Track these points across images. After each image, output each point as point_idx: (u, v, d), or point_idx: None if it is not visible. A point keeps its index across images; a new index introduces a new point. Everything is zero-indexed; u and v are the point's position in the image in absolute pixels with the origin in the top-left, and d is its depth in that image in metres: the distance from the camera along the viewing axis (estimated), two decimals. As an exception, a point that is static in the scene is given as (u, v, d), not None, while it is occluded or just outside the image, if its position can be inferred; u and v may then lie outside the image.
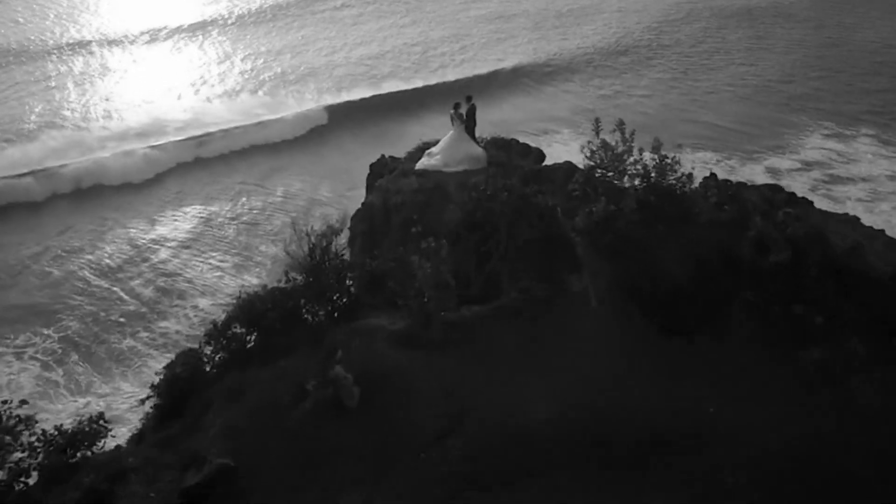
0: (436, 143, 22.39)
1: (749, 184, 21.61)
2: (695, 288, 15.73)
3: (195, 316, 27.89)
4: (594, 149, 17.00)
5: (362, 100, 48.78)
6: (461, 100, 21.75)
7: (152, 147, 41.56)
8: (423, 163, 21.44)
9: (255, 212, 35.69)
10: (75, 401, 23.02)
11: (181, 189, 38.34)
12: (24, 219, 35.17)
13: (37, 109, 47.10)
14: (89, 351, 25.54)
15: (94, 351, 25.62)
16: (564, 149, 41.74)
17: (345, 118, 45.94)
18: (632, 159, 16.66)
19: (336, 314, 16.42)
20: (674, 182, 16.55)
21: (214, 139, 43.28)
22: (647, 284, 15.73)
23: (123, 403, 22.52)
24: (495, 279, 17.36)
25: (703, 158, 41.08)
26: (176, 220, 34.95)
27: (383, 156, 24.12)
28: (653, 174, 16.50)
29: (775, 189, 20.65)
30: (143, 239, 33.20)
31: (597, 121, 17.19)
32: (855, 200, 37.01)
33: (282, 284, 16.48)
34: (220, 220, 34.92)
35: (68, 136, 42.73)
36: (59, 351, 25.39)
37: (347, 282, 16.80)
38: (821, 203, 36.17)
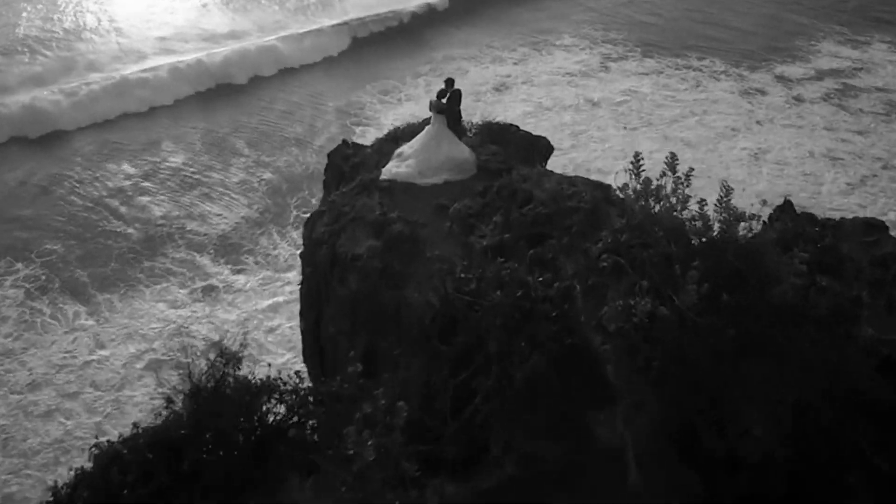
0: (411, 132, 17.45)
1: (839, 220, 15.74)
2: (790, 450, 10.37)
3: (181, 240, 27.53)
4: (632, 192, 11.82)
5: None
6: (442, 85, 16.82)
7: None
8: (392, 169, 16.13)
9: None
10: (66, 332, 22.78)
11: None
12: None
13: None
14: (73, 277, 25.17)
15: (78, 277, 25.24)
16: (565, 58, 40.34)
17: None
18: (689, 214, 11.43)
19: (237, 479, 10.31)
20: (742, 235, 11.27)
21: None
22: (713, 439, 10.59)
23: (112, 340, 22.36)
24: (481, 427, 11.48)
25: (711, 68, 39.78)
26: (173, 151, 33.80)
27: (345, 142, 19.36)
28: (714, 229, 11.27)
29: (875, 227, 15.18)
30: (137, 165, 32.26)
31: (636, 157, 11.90)
32: (870, 113, 36.05)
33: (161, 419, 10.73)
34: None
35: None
36: (43, 278, 24.98)
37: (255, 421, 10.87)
38: (835, 116, 35.57)
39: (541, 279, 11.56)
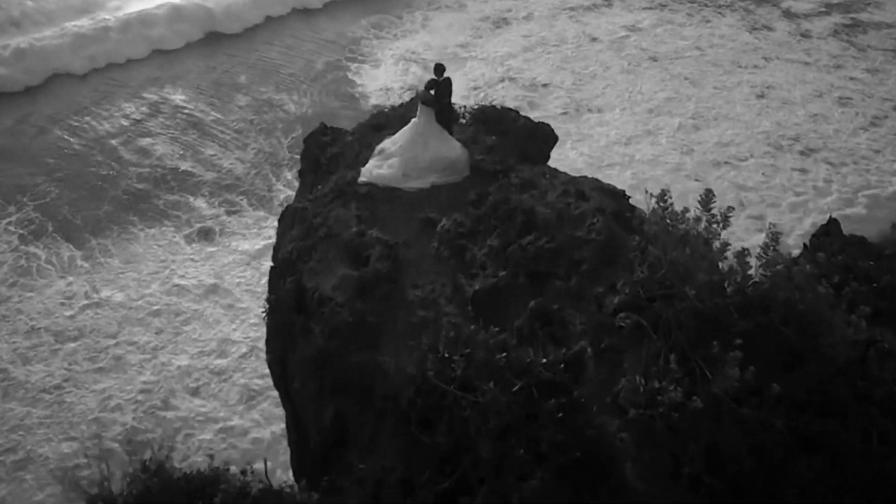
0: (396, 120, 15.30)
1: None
2: None
3: (175, 182, 27.22)
4: (655, 228, 9.66)
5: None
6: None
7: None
8: (373, 171, 14.07)
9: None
10: (61, 277, 22.59)
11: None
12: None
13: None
14: (67, 221, 24.90)
15: (72, 220, 24.94)
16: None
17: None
18: (725, 265, 9.41)
19: None
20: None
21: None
22: None
23: (108, 285, 22.33)
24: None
25: (716, 2, 38.78)
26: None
27: (323, 126, 16.94)
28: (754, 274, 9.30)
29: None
30: (132, 108, 31.50)
31: (662, 196, 9.98)
32: (879, 50, 35.33)
33: None
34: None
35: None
36: (37, 221, 24.69)
37: None
38: (844, 53, 34.85)
39: (545, 361, 8.81)
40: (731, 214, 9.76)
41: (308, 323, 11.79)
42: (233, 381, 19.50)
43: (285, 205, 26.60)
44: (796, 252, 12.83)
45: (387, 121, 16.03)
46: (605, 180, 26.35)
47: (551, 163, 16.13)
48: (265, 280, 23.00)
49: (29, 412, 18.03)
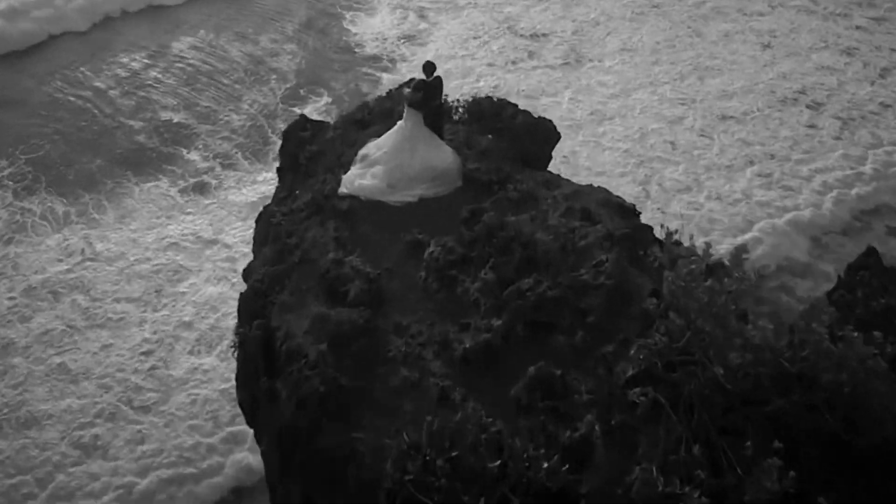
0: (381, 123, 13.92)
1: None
2: None
3: (168, 134, 26.91)
4: (675, 287, 8.31)
5: None
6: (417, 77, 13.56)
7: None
8: (355, 181, 12.81)
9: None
10: (57, 234, 22.39)
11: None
12: None
13: None
14: (59, 175, 24.61)
15: (64, 175, 24.64)
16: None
17: None
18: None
19: None
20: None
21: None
22: None
23: (103, 242, 22.25)
24: None
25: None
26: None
27: (302, 118, 15.88)
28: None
29: None
30: (125, 60, 30.80)
31: (668, 234, 9.14)
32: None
33: None
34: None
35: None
36: (30, 176, 24.42)
37: None
38: (850, 1, 34.12)
39: (546, 466, 7.53)
40: (765, 273, 8.61)
41: (274, 384, 10.40)
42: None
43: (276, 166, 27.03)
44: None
45: (371, 115, 14.79)
46: (607, 135, 26.77)
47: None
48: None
49: (30, 370, 18.11)
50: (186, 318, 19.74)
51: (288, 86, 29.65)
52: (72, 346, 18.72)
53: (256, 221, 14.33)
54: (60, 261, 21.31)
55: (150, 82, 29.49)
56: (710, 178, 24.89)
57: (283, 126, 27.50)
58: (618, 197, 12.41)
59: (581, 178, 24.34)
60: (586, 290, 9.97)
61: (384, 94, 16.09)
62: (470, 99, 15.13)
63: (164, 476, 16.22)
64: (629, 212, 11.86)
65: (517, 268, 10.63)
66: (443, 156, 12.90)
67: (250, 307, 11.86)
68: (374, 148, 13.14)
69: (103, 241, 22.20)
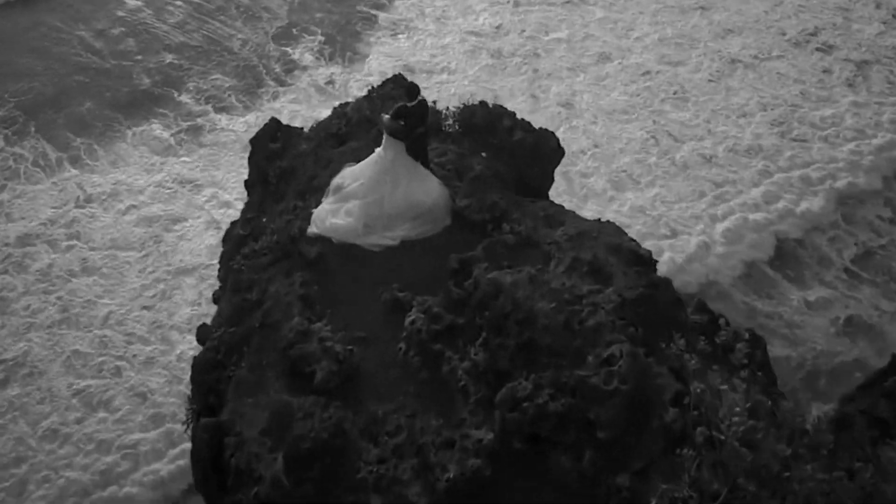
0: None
1: None
2: None
3: (159, 76, 26.37)
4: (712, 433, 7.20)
5: None
6: (397, 98, 12.13)
7: None
8: (328, 219, 11.20)
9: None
10: (52, 182, 22.17)
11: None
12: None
13: None
14: (49, 120, 24.21)
15: (54, 119, 24.25)
16: None
17: None
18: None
19: None
20: None
21: None
22: None
23: (97, 189, 21.99)
24: None
25: None
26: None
27: (274, 123, 14.36)
28: None
29: None
30: None
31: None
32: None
33: None
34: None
35: None
36: (21, 121, 23.98)
37: None
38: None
39: None
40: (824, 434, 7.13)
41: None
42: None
43: (273, 101, 26.52)
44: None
45: (348, 126, 13.25)
46: (611, 77, 26.31)
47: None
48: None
49: (31, 323, 18.12)
50: (186, 266, 19.77)
51: (280, 24, 29.04)
52: (71, 296, 18.74)
53: (223, 241, 12.99)
54: (55, 208, 21.20)
55: (139, 23, 28.79)
56: (720, 125, 24.65)
57: (277, 67, 27.30)
58: (631, 240, 10.62)
59: (585, 125, 24.36)
60: (596, 396, 8.11)
61: (364, 96, 14.32)
62: (461, 106, 13.49)
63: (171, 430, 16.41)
64: (644, 261, 10.06)
65: (512, 356, 8.90)
66: (428, 190, 11.16)
67: (205, 378, 10.44)
68: (350, 178, 11.39)
69: (97, 187, 22.03)
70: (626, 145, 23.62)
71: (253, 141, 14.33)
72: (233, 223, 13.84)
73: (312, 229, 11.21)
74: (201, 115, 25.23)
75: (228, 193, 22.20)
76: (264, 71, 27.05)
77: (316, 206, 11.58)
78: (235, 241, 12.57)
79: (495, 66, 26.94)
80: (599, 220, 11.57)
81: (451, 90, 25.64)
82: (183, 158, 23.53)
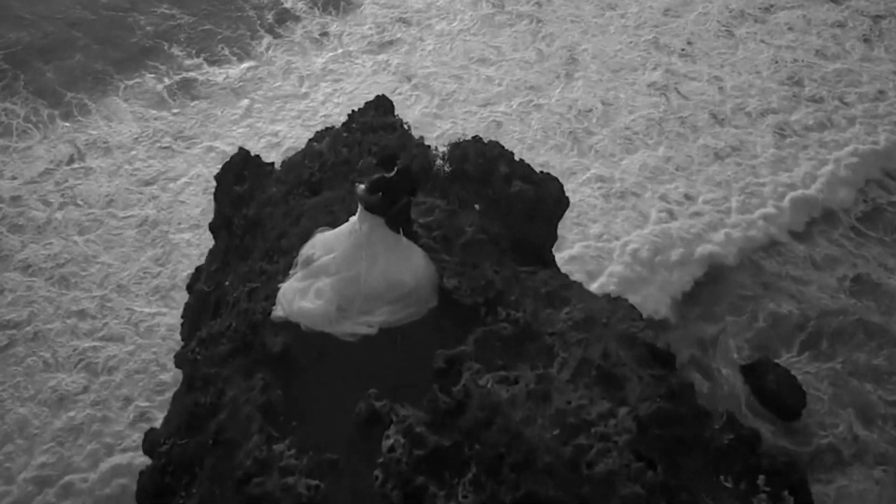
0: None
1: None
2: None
3: (150, 27, 25.84)
4: None
5: None
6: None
7: None
8: (294, 300, 9.73)
9: None
10: (43, 138, 21.84)
11: None
12: None
13: None
14: (39, 73, 23.68)
15: (44, 72, 23.72)
16: None
17: None
18: None
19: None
20: None
21: None
22: None
23: (90, 145, 21.68)
24: None
25: None
26: None
27: (241, 157, 13.11)
28: None
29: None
30: None
31: None
32: None
33: None
34: None
35: None
36: (9, 74, 23.47)
37: None
38: None
39: None
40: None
41: None
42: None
43: (270, 53, 25.96)
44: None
45: (322, 171, 11.69)
46: (613, 23, 25.79)
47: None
48: (258, 141, 22.55)
49: (31, 284, 17.98)
50: (185, 236, 19.54)
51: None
52: (69, 259, 18.59)
53: (184, 313, 11.79)
54: (49, 166, 20.95)
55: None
56: (729, 82, 24.32)
57: (270, 17, 26.71)
58: (646, 326, 9.39)
59: (590, 78, 23.98)
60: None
61: (342, 126, 12.79)
62: (448, 145, 12.07)
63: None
64: (661, 359, 8.86)
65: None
66: (411, 267, 9.69)
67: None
68: (322, 248, 9.87)
69: (91, 143, 21.72)
70: (634, 102, 23.37)
71: (218, 177, 12.97)
72: (197, 269, 12.71)
73: (278, 313, 9.70)
74: (194, 67, 24.81)
75: (225, 147, 21.93)
76: (258, 21, 26.54)
77: (284, 273, 10.13)
78: (198, 299, 11.35)
79: (497, 18, 26.48)
80: (609, 295, 10.45)
81: (450, 47, 25.26)
82: (176, 112, 23.20)
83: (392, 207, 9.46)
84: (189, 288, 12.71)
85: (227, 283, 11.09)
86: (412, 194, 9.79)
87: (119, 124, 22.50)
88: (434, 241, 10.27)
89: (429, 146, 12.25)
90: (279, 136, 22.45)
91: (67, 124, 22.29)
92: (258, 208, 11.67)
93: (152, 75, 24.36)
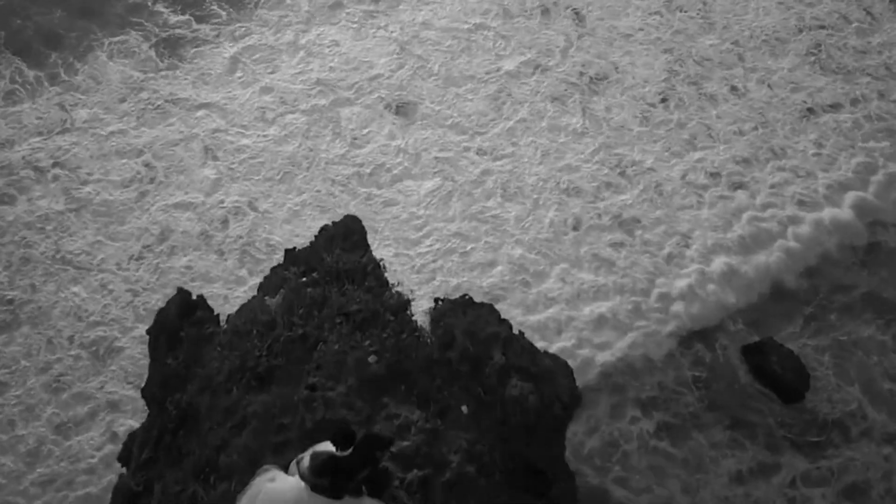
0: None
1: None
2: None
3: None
4: None
5: None
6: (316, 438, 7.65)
7: None
8: None
9: None
10: (32, 104, 21.35)
11: None
12: None
13: None
14: (19, 31, 22.94)
15: (23, 29, 23.01)
16: None
17: None
18: None
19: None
20: None
21: None
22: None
23: (79, 112, 21.18)
24: None
25: None
26: None
27: (183, 295, 11.40)
28: None
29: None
30: None
31: None
32: None
33: None
34: None
35: None
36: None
37: None
38: None
39: None
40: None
41: None
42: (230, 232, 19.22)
43: (259, 11, 25.15)
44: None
45: (270, 353, 9.69)
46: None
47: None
48: (252, 101, 21.91)
49: (24, 254, 17.91)
50: (179, 200, 19.36)
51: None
52: (66, 234, 18.39)
53: (116, 490, 10.09)
54: (40, 134, 20.56)
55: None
56: (749, 50, 24.01)
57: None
58: None
59: (598, 44, 23.46)
60: None
61: (298, 277, 10.72)
62: (431, 313, 10.35)
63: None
64: None
65: None
66: None
67: None
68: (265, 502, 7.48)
69: (81, 107, 21.33)
70: (649, 71, 23.12)
71: (151, 334, 11.20)
72: (130, 436, 10.99)
73: None
74: (182, 25, 24.08)
75: (220, 118, 21.47)
76: (249, -21, 25.69)
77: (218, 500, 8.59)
78: (125, 495, 9.82)
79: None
80: None
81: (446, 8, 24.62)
82: (166, 74, 22.60)
83: (347, 486, 7.35)
84: (120, 459, 11.17)
85: (156, 487, 9.52)
86: (375, 464, 7.54)
87: (107, 86, 21.98)
88: (410, 490, 8.35)
89: (413, 319, 10.07)
90: (273, 96, 21.95)
91: (56, 87, 21.80)
92: (195, 395, 9.85)
93: (138, 33, 23.64)
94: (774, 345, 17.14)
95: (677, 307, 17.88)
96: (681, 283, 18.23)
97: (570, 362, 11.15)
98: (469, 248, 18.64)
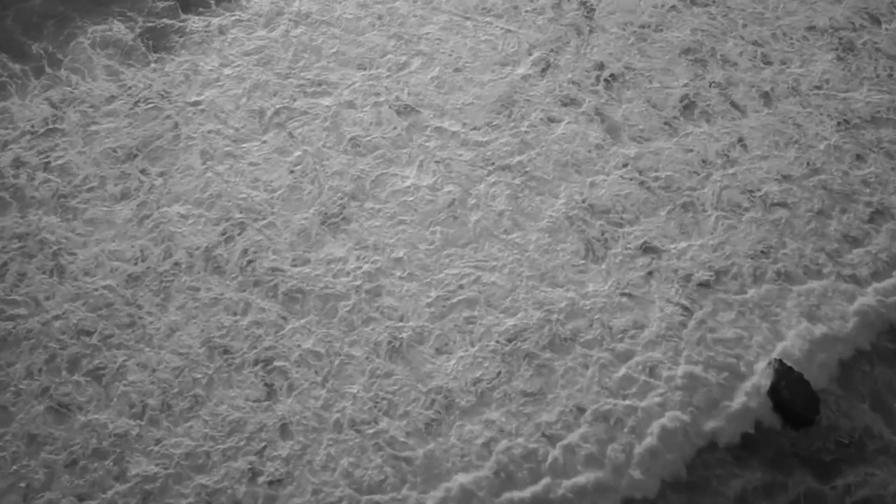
0: None
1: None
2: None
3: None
4: None
5: None
6: None
7: None
8: None
9: None
10: (21, 99, 21.16)
11: None
12: None
13: None
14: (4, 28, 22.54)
15: (2, 16, 22.66)
16: None
17: None
18: None
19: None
20: None
21: None
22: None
23: (69, 108, 20.97)
24: None
25: None
26: None
27: None
28: None
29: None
30: None
31: None
32: None
33: None
34: None
35: None
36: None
37: None
38: None
39: None
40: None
41: None
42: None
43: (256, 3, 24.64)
44: None
45: None
46: None
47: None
48: (246, 93, 21.54)
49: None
50: (177, 207, 19.24)
51: None
52: (65, 243, 18.39)
53: None
54: (27, 132, 20.35)
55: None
56: (773, 49, 24.03)
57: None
58: None
59: (614, 43, 23.17)
60: None
61: None
62: None
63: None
64: None
65: None
66: None
67: None
68: None
69: (70, 104, 21.05)
70: (668, 68, 23.15)
71: None
72: None
73: None
74: (167, 14, 23.65)
75: (215, 112, 21.17)
76: (245, -33, 25.25)
77: None
78: None
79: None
80: None
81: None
82: (156, 68, 22.20)
83: None
84: None
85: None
86: None
87: (93, 79, 21.71)
88: None
89: None
90: (268, 95, 21.67)
91: (41, 81, 21.50)
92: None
93: (121, 22, 23.21)
94: (785, 369, 17.25)
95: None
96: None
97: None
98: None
